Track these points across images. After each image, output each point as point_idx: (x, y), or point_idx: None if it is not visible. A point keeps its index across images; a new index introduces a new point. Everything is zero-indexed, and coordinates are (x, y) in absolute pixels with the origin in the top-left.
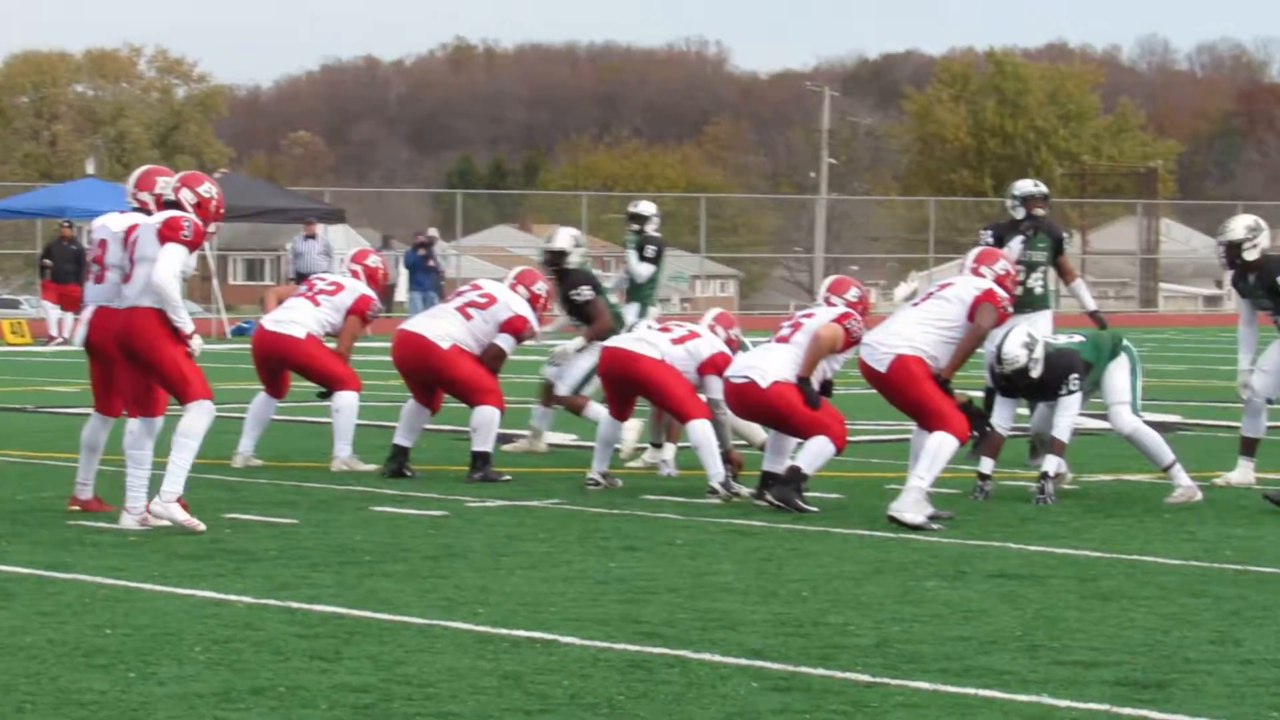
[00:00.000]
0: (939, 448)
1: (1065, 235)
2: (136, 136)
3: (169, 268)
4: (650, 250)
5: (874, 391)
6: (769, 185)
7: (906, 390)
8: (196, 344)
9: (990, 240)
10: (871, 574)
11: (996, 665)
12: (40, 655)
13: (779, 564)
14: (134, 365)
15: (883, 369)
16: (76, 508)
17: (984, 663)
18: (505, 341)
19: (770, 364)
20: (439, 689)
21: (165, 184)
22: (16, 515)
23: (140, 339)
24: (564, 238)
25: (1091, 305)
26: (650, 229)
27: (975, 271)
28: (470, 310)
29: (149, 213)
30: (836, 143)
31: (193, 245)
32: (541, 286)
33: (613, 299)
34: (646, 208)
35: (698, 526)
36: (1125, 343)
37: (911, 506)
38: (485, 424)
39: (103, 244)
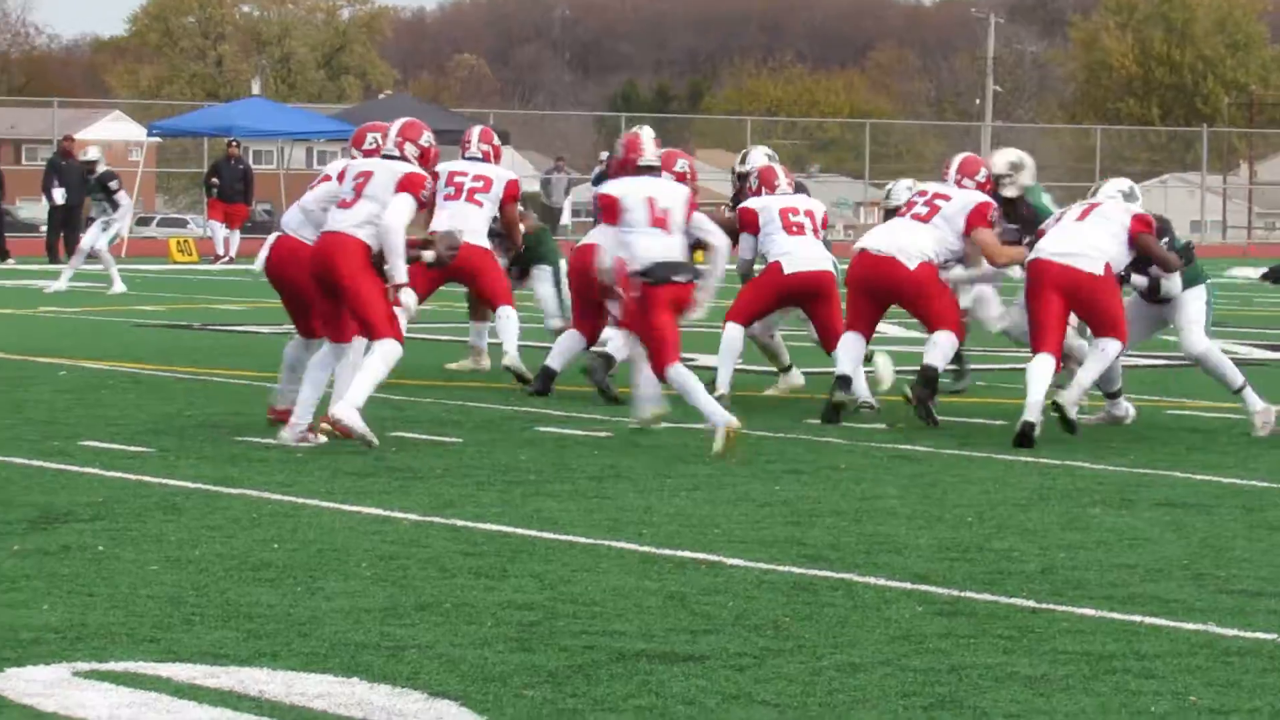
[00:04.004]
0: (1106, 348)
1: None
2: (302, 57)
3: (400, 215)
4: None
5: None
6: (933, 112)
7: (1100, 300)
8: (408, 298)
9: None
10: (1036, 500)
11: (1162, 593)
12: (208, 568)
13: (943, 489)
14: (325, 292)
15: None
16: (272, 417)
17: (1150, 590)
18: None
19: (915, 244)
20: (604, 608)
21: (373, 138)
22: (184, 430)
23: (343, 266)
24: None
25: None
26: None
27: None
28: None
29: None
30: (1002, 70)
31: (424, 207)
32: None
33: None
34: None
35: (862, 451)
36: (1206, 277)
37: (1075, 401)
38: None
39: (329, 178)
